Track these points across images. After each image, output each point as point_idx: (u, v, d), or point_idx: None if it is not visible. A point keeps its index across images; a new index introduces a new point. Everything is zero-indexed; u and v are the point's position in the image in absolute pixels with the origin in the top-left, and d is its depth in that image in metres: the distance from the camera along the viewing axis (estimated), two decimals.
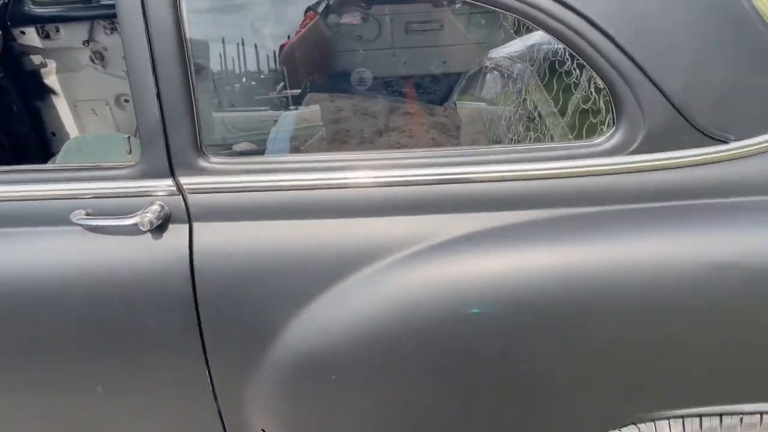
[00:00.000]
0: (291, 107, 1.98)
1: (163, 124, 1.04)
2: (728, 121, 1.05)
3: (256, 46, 2.10)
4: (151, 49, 1.00)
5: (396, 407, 1.10)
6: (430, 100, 2.28)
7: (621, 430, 1.15)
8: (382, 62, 2.43)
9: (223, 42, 1.96)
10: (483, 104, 1.95)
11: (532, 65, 1.63)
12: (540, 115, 1.34)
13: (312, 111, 1.91)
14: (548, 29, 1.00)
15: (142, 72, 1.01)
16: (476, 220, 1.04)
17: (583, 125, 1.12)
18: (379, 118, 1.96)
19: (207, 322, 1.07)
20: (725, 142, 1.05)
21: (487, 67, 2.21)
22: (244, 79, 2.10)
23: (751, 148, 1.06)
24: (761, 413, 1.10)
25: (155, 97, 1.02)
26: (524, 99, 1.54)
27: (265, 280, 1.05)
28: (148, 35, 0.99)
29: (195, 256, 1.06)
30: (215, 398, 1.15)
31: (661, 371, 1.05)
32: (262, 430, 1.18)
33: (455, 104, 2.20)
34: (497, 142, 1.69)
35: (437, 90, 2.36)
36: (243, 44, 2.06)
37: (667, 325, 1.01)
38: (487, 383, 1.07)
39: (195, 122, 1.05)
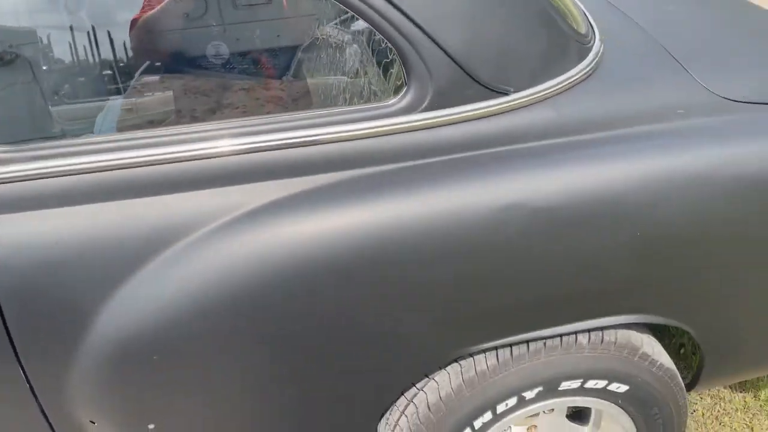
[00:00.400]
0: (116, 93, 1.90)
1: None
2: (507, 75, 1.14)
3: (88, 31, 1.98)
4: None
5: (223, 379, 1.11)
6: (267, 75, 2.26)
7: (446, 369, 1.25)
8: (213, 40, 2.37)
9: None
10: (314, 76, 1.97)
11: (350, 34, 1.67)
12: (352, 81, 1.39)
13: (139, 94, 1.85)
14: None
15: None
16: (282, 187, 1.07)
17: (383, 87, 1.18)
18: (211, 96, 1.93)
19: (11, 318, 1.02)
20: (506, 93, 1.14)
21: (319, 39, 2.23)
22: (73, 66, 1.97)
23: (530, 97, 1.16)
24: (560, 335, 1.23)
25: None
26: (343, 67, 1.58)
27: (69, 269, 1.01)
28: None
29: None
30: (35, 397, 1.10)
31: (470, 309, 1.14)
32: (91, 421, 1.16)
33: (291, 78, 2.20)
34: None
35: (273, 64, 2.35)
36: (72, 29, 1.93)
37: (468, 266, 1.09)
38: (311, 342, 1.11)
39: None
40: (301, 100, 1.49)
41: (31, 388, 1.09)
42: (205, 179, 1.05)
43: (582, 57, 1.24)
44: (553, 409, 1.41)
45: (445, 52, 1.08)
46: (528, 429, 1.50)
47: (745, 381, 1.96)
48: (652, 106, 1.22)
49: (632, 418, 1.35)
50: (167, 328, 1.04)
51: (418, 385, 1.27)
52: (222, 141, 1.06)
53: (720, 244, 1.19)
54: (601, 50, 1.29)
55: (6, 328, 1.03)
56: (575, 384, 1.26)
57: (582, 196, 1.10)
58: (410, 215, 1.06)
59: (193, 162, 1.05)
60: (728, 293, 1.26)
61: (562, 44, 1.20)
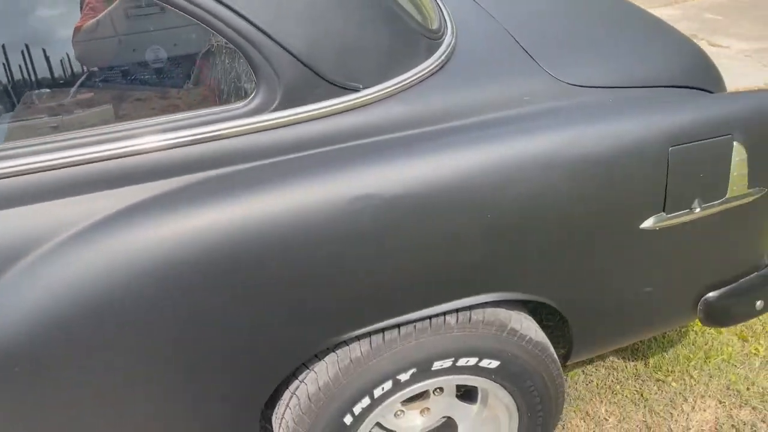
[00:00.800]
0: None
1: None
2: (355, 72, 1.19)
3: None
4: None
5: (84, 388, 1.12)
6: (166, 84, 2.27)
7: (324, 360, 1.29)
8: (108, 51, 2.36)
9: None
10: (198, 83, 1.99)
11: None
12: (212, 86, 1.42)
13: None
14: (172, 5, 1.06)
15: None
16: (135, 192, 1.09)
17: (235, 89, 1.21)
18: (105, 109, 1.93)
19: None
20: (356, 90, 1.20)
21: (214, 45, 2.25)
22: None
23: (380, 93, 1.21)
24: (429, 317, 1.29)
25: None
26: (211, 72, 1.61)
27: None
28: None
29: None
30: None
31: (336, 298, 1.18)
32: None
33: (192, 85, 2.21)
34: None
35: (172, 73, 2.35)
36: None
37: (329, 256, 1.14)
38: (177, 345, 1.13)
39: None
40: (172, 107, 1.50)
41: None
42: (57, 189, 1.07)
43: (432, 51, 1.30)
44: (442, 390, 1.47)
45: (290, 52, 1.12)
46: (421, 411, 1.56)
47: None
48: (499, 95, 1.29)
49: (509, 392, 1.42)
50: (24, 340, 1.05)
51: (300, 377, 1.31)
52: (73, 150, 1.07)
53: (568, 221, 1.26)
54: (452, 44, 1.36)
55: None
56: (447, 363, 1.32)
57: (431, 184, 1.15)
58: (266, 212, 1.10)
59: (42, 173, 1.07)
60: (583, 267, 1.34)
61: (410, 40, 1.26)
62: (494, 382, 1.39)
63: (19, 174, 1.06)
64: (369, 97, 1.20)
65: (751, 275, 1.55)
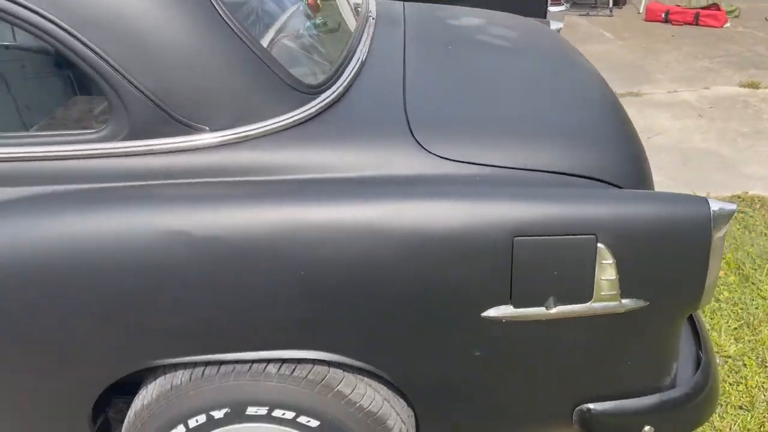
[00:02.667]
0: None
1: None
2: (204, 115, 1.25)
3: None
4: None
5: None
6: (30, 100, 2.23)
7: (153, 381, 1.34)
8: None
9: None
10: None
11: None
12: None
13: None
14: (33, 33, 1.19)
15: None
16: None
17: (93, 114, 1.32)
18: None
19: None
20: (203, 132, 1.25)
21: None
22: None
23: (224, 138, 1.26)
24: (250, 361, 1.30)
25: None
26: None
27: None
28: None
29: None
30: None
31: (148, 324, 1.23)
32: None
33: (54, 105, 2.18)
34: None
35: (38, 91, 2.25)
36: None
37: (139, 283, 1.19)
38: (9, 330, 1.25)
39: None
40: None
41: None
42: None
43: (300, 104, 1.31)
44: None
45: (141, 91, 1.21)
46: None
47: None
48: (352, 157, 1.28)
49: None
50: None
51: (140, 391, 1.38)
52: None
53: (395, 292, 1.22)
54: (332, 98, 1.36)
55: None
56: (262, 411, 1.32)
57: (243, 232, 1.18)
58: (87, 231, 1.19)
59: None
60: (416, 344, 1.28)
61: (270, 92, 1.29)
62: None
63: None
64: (213, 139, 1.25)
65: (644, 396, 1.38)
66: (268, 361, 1.30)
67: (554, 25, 2.47)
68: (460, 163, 1.29)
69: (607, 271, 1.22)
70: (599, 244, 1.20)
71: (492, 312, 1.24)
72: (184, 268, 1.20)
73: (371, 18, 1.84)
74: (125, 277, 1.20)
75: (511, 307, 1.24)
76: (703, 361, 1.48)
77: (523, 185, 1.26)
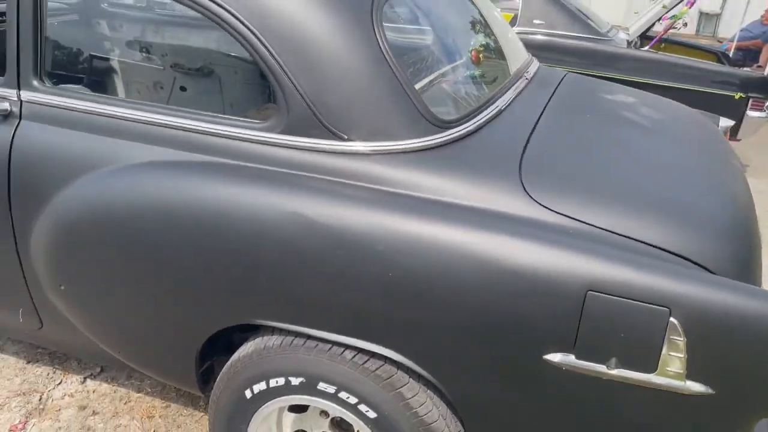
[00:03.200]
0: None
1: (18, 54, 1.67)
2: (346, 126, 1.47)
3: None
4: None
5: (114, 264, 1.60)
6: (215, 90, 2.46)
7: (252, 339, 1.57)
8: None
9: None
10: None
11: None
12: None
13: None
14: (235, 38, 1.50)
15: (10, 15, 1.65)
16: (170, 154, 1.55)
17: (262, 106, 1.58)
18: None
19: (14, 180, 1.66)
20: (342, 139, 1.47)
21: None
22: None
23: (359, 148, 1.47)
24: (332, 343, 1.47)
25: (15, 35, 1.66)
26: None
27: (48, 162, 1.62)
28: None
29: (15, 139, 1.67)
30: (19, 258, 1.72)
31: (256, 286, 1.46)
32: (60, 286, 1.73)
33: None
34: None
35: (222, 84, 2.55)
36: None
37: (257, 251, 1.43)
38: (148, 259, 1.54)
39: (38, 55, 1.66)
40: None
41: (17, 249, 1.72)
42: (133, 135, 1.58)
43: (426, 134, 1.49)
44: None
45: (302, 96, 1.46)
46: None
47: None
48: (462, 188, 1.42)
49: None
50: (87, 220, 1.57)
51: (241, 347, 1.61)
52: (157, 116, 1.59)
53: (467, 312, 1.33)
54: (454, 136, 1.52)
55: (9, 194, 1.67)
56: (330, 389, 1.48)
57: (351, 228, 1.37)
58: (232, 199, 1.45)
59: (131, 122, 1.60)
60: (477, 366, 1.37)
61: (405, 118, 1.48)
62: (371, 430, 1.49)
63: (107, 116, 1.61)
64: (348, 148, 1.47)
65: None
66: (347, 346, 1.47)
67: (723, 123, 2.42)
68: (558, 215, 1.38)
69: (675, 348, 1.23)
70: (672, 319, 1.23)
71: (554, 357, 1.30)
72: (298, 247, 1.41)
73: (525, 78, 1.99)
74: (251, 243, 1.44)
75: (573, 356, 1.29)
76: None
77: (609, 246, 1.32)
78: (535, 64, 2.27)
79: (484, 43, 2.01)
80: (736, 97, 4.91)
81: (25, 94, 1.69)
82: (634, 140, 1.76)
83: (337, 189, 1.44)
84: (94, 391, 2.27)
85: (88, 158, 1.61)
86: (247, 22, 1.46)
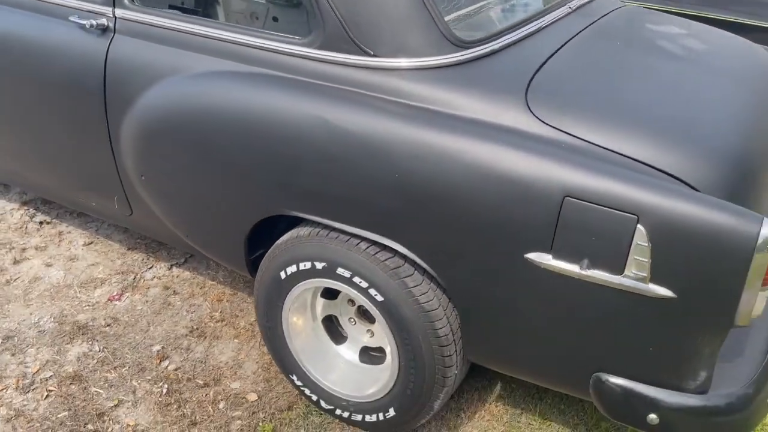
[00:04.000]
0: None
1: None
2: (372, 42, 1.64)
3: None
4: None
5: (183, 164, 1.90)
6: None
7: (290, 231, 1.82)
8: None
9: None
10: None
11: None
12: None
13: None
14: None
15: None
16: (228, 65, 1.80)
17: (304, 24, 1.78)
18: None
19: (109, 85, 1.98)
20: (369, 55, 1.65)
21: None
22: None
23: (382, 63, 1.64)
24: (350, 234, 1.69)
25: None
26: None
27: (135, 70, 1.93)
28: None
29: (109, 50, 1.99)
30: (111, 147, 2.07)
31: (290, 181, 1.70)
32: (141, 176, 2.07)
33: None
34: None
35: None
36: None
37: (291, 149, 1.66)
38: (219, 159, 1.82)
39: None
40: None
41: (110, 138, 2.06)
42: (200, 48, 1.85)
43: (447, 52, 1.63)
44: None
45: (335, 12, 1.65)
46: (367, 330, 1.96)
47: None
48: (466, 103, 1.56)
49: (391, 333, 1.71)
50: (161, 119, 1.88)
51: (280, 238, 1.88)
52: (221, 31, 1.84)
53: (460, 211, 1.50)
54: (472, 56, 1.65)
55: (105, 91, 2.00)
56: (347, 274, 1.71)
57: (366, 132, 1.56)
58: (267, 104, 1.69)
59: (199, 37, 1.86)
60: (469, 260, 1.54)
61: (426, 37, 1.62)
62: (379, 314, 1.71)
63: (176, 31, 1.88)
64: (373, 62, 1.64)
65: (658, 387, 1.45)
66: (362, 238, 1.69)
67: None
68: (555, 129, 1.50)
69: (641, 252, 1.34)
70: (639, 225, 1.33)
71: (533, 256, 1.45)
72: (320, 147, 1.63)
73: (569, 7, 2.05)
74: (286, 144, 1.67)
75: (550, 257, 1.43)
76: (744, 392, 1.48)
77: (593, 158, 1.42)
78: None
79: None
80: None
81: (119, 12, 1.99)
82: (658, 67, 1.80)
83: (358, 99, 1.63)
84: (177, 276, 2.66)
85: (165, 67, 1.89)
86: None
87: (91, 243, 2.84)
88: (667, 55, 1.90)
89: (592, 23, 1.99)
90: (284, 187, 1.73)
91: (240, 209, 1.86)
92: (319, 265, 1.76)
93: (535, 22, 1.87)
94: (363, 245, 1.69)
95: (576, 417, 2.05)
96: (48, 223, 2.96)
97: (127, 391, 2.11)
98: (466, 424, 2.02)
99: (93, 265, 2.71)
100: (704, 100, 1.67)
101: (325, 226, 1.74)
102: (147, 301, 2.52)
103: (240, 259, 1.99)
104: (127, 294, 2.55)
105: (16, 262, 2.71)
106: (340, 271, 1.73)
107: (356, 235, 1.69)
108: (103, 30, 2.01)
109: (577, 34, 1.88)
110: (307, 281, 1.82)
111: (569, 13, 2.02)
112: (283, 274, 1.84)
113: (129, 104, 1.96)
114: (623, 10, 2.25)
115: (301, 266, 1.80)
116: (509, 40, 1.75)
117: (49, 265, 2.70)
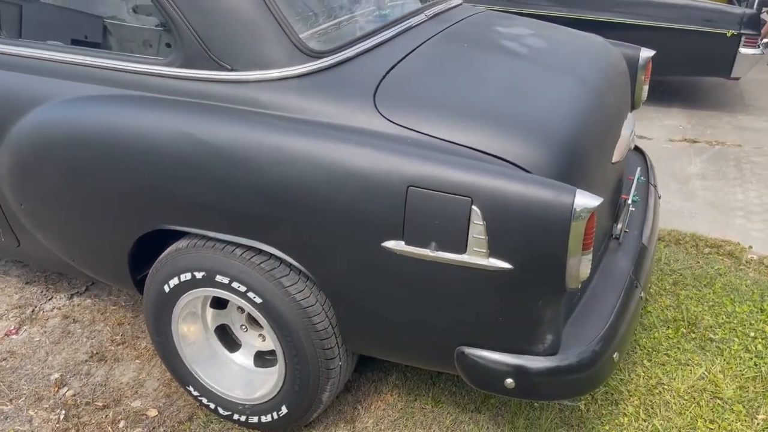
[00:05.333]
0: None
1: None
2: (229, 57, 1.73)
3: None
4: None
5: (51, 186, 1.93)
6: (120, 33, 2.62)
7: (172, 245, 1.88)
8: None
9: None
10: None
11: None
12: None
13: None
14: None
15: None
16: (94, 89, 1.85)
17: (164, 45, 1.87)
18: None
19: None
20: (227, 69, 1.74)
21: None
22: None
23: (238, 76, 1.73)
24: (225, 242, 1.77)
25: None
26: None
27: (5, 100, 1.95)
28: None
29: None
30: None
31: (160, 196, 1.76)
32: (21, 204, 2.08)
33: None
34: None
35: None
36: None
37: (160, 164, 1.72)
38: (80, 180, 1.86)
39: None
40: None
41: None
42: (68, 74, 1.89)
43: (299, 62, 1.73)
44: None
45: (193, 33, 1.73)
46: (259, 335, 2.03)
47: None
48: (324, 108, 1.67)
49: (273, 330, 1.79)
50: (34, 146, 1.90)
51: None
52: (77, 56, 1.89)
53: (321, 211, 1.59)
54: (325, 64, 1.76)
55: None
56: (225, 280, 1.78)
57: (227, 142, 1.64)
58: (133, 123, 1.75)
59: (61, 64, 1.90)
60: (334, 256, 1.64)
61: (280, 49, 1.73)
62: (260, 315, 1.79)
63: (45, 60, 1.92)
64: (230, 76, 1.73)
65: (511, 353, 1.59)
66: (236, 244, 1.76)
67: (644, 53, 2.53)
68: (401, 127, 1.62)
69: (478, 230, 1.47)
70: (474, 206, 1.46)
71: (389, 243, 1.56)
72: (185, 160, 1.69)
73: (424, 14, 2.20)
74: (153, 160, 1.73)
75: (403, 243, 1.55)
76: (591, 350, 1.63)
77: (433, 150, 1.55)
78: (452, 3, 2.47)
79: None
80: (728, 35, 4.89)
81: None
82: (499, 64, 1.96)
83: (218, 112, 1.71)
84: (78, 305, 2.66)
85: (34, 96, 1.92)
86: None
87: None
88: (510, 54, 2.06)
89: (445, 29, 2.14)
90: (156, 202, 1.79)
91: (118, 228, 1.90)
92: (198, 275, 1.82)
93: (389, 30, 2.00)
94: (238, 251, 1.76)
95: (466, 397, 2.17)
96: None
97: (23, 420, 2.10)
98: (363, 415, 2.11)
99: None
100: (539, 92, 1.83)
101: (202, 237, 1.81)
102: (45, 332, 2.50)
103: (126, 278, 2.02)
104: (25, 327, 2.53)
105: None
106: (218, 278, 1.80)
107: (231, 242, 1.77)
108: None
109: (428, 39, 2.02)
110: (190, 292, 1.88)
111: (424, 21, 2.18)
112: (166, 288, 1.89)
113: (2, 134, 1.98)
114: (478, 15, 2.43)
115: (182, 278, 1.85)
116: (362, 48, 1.87)
117: None
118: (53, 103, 1.89)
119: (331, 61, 1.78)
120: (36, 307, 2.65)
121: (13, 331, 2.52)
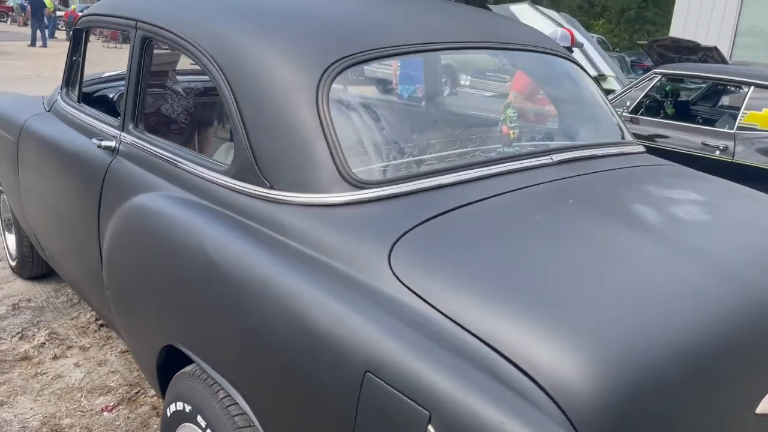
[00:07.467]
0: None
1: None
2: (272, 173, 1.54)
3: None
4: None
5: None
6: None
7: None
8: None
9: None
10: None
11: None
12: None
13: None
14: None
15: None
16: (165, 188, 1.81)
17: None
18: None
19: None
20: (266, 186, 1.54)
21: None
22: None
23: (278, 196, 1.51)
24: None
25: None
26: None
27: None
28: None
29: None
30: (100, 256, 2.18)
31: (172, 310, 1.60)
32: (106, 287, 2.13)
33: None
34: None
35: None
36: None
37: (178, 277, 1.58)
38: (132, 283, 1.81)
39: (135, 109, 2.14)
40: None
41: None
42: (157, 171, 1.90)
43: (336, 190, 1.46)
44: None
45: (247, 144, 1.59)
46: None
47: None
48: (336, 247, 1.36)
49: None
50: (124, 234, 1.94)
51: None
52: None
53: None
54: (369, 197, 1.45)
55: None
56: (203, 423, 1.50)
57: (222, 270, 1.43)
58: (176, 232, 1.64)
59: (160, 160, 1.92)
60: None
61: (319, 173, 1.47)
62: None
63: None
64: (274, 195, 1.52)
65: None
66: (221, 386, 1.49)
67: None
68: (407, 289, 1.22)
69: None
70: (430, 426, 0.97)
71: None
72: (194, 281, 1.52)
73: (550, 158, 1.74)
74: (181, 271, 1.59)
75: None
76: None
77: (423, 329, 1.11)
78: (625, 149, 1.96)
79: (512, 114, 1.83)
80: None
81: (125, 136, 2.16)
82: (602, 237, 1.40)
83: (237, 231, 1.51)
84: None
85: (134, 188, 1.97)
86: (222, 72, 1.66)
87: (127, 351, 2.95)
88: (631, 225, 1.46)
89: (563, 178, 1.65)
90: (166, 316, 1.63)
91: (150, 331, 1.79)
92: (187, 408, 1.59)
93: (478, 170, 1.60)
94: (221, 393, 1.49)
95: None
96: (107, 326, 3.16)
97: None
98: None
99: (112, 372, 2.79)
100: (639, 284, 1.24)
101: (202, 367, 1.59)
102: (129, 418, 2.48)
103: (154, 381, 1.87)
104: (120, 407, 2.56)
105: (55, 357, 2.90)
106: (199, 419, 1.53)
107: (216, 381, 1.50)
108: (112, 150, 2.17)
109: (523, 187, 1.57)
110: (183, 425, 1.64)
111: (545, 165, 1.71)
112: (168, 411, 1.69)
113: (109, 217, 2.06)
114: (645, 169, 1.86)
115: (178, 406, 1.63)
116: (425, 185, 1.52)
117: (78, 366, 2.84)
118: (148, 196, 1.88)
119: (372, 195, 1.47)
120: (141, 389, 2.68)
121: (110, 408, 2.55)
